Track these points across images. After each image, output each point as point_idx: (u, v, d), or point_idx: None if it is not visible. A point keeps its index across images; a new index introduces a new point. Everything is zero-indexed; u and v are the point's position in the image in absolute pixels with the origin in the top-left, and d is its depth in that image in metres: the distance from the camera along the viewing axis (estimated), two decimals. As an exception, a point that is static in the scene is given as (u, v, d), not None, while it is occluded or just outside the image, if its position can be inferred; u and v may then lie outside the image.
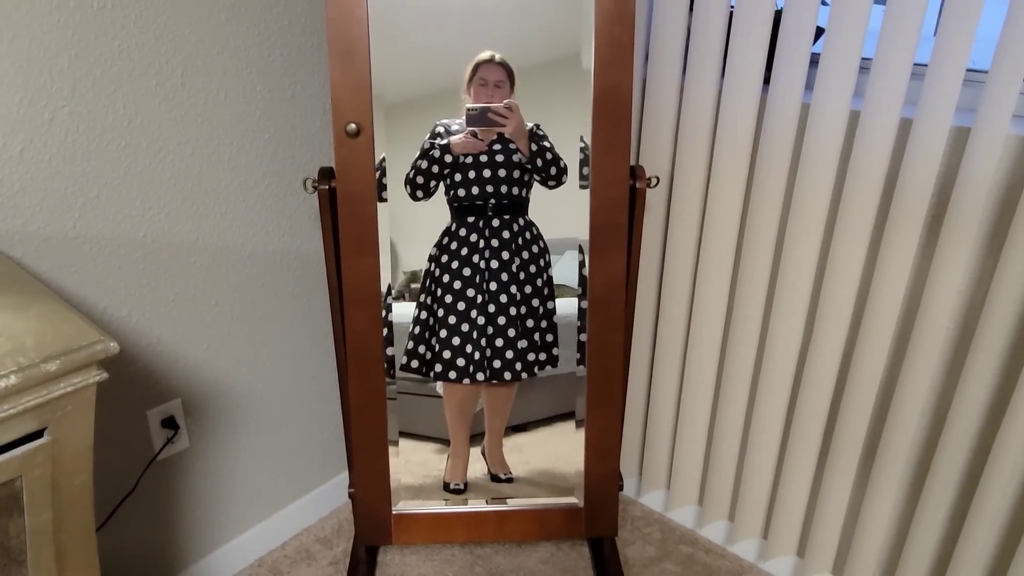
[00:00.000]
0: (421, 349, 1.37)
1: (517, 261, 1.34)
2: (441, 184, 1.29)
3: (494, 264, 1.33)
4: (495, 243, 1.33)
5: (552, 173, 1.28)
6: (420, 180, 1.29)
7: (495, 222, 1.32)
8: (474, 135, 1.26)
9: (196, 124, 1.28)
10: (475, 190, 1.29)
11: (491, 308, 1.35)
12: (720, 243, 1.48)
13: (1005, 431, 1.20)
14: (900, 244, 1.24)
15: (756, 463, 1.57)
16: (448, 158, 1.27)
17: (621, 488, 1.52)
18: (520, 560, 1.66)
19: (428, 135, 1.27)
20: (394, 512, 1.49)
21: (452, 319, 1.36)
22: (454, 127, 1.26)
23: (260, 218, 1.43)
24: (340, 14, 1.18)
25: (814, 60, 1.36)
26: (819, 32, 1.34)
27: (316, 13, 1.40)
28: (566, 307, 1.37)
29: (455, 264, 1.33)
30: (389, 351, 1.37)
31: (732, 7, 1.34)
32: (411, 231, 1.32)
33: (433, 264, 1.34)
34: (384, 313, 1.35)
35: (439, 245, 1.33)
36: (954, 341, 1.29)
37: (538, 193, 1.31)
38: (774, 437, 1.54)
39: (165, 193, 1.27)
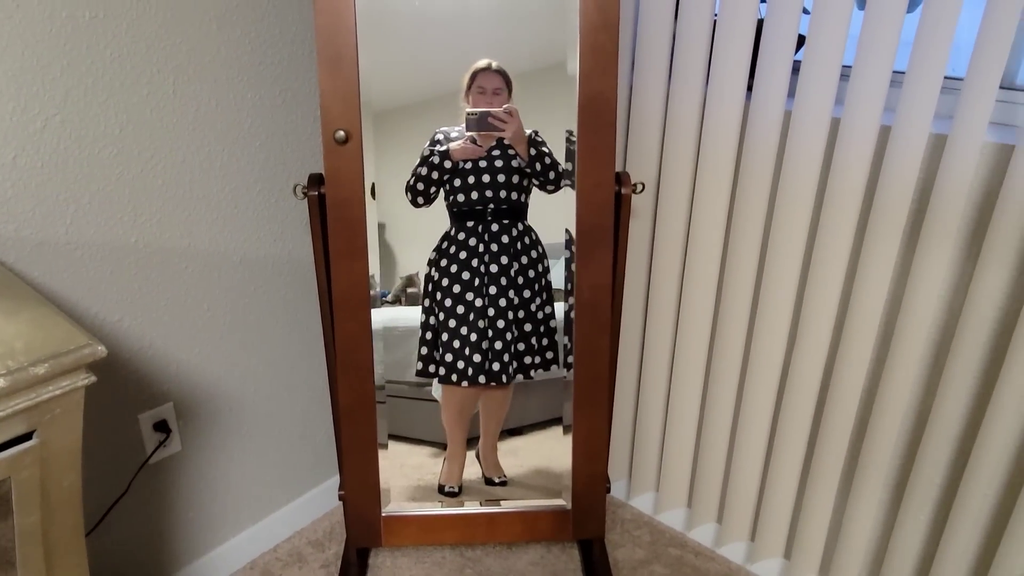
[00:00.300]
0: (433, 354, 1.39)
1: (516, 265, 1.36)
2: (441, 189, 1.31)
3: (493, 268, 1.35)
4: (494, 248, 1.34)
5: (551, 177, 1.30)
6: (420, 186, 1.30)
7: (494, 227, 1.34)
8: (473, 141, 1.28)
9: (187, 131, 1.30)
10: (475, 195, 1.31)
11: (490, 312, 1.37)
12: (706, 247, 1.50)
13: (985, 433, 1.21)
14: (881, 249, 1.26)
15: (743, 466, 1.59)
16: (448, 164, 1.29)
17: (608, 490, 1.54)
18: (510, 562, 1.68)
19: (428, 142, 1.29)
20: (384, 514, 1.50)
21: (452, 323, 1.37)
22: (454, 134, 1.28)
23: (251, 223, 1.45)
24: (328, 23, 1.20)
25: (797, 68, 1.38)
26: (801, 40, 1.36)
27: (306, 22, 1.42)
28: (560, 311, 1.39)
29: (454, 268, 1.35)
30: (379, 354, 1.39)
31: (716, 15, 1.36)
32: (409, 235, 1.34)
33: (433, 268, 1.35)
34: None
35: (439, 249, 1.35)
36: (935, 345, 1.30)
37: (535, 198, 1.32)
38: (761, 440, 1.55)
39: (157, 199, 1.29)
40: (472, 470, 1.50)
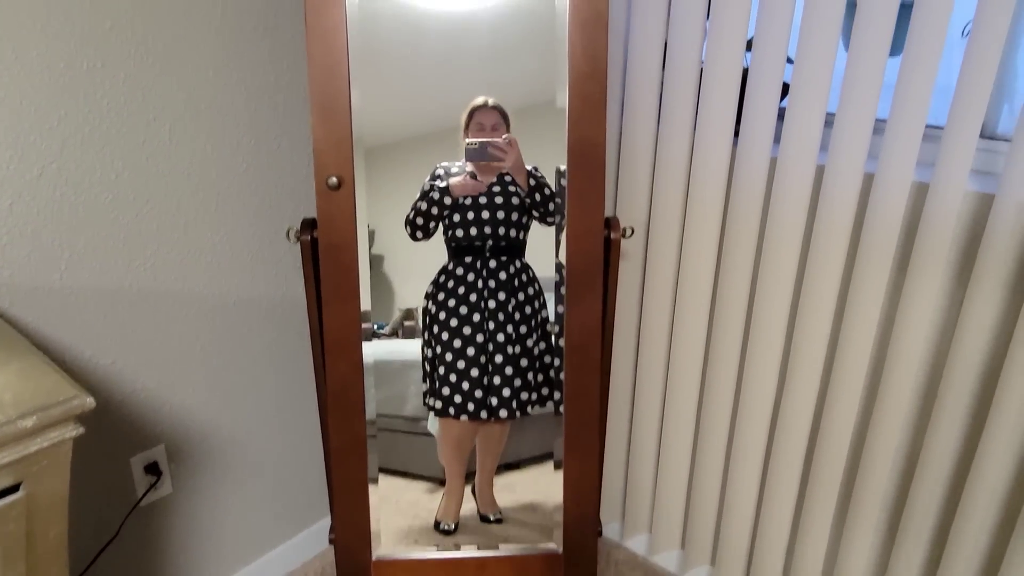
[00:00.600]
0: (434, 386, 1.40)
1: (513, 301, 1.37)
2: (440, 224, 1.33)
3: (491, 304, 1.36)
4: (492, 283, 1.36)
5: (551, 208, 1.32)
6: (420, 221, 1.32)
7: (492, 263, 1.35)
8: (473, 177, 1.30)
9: (183, 176, 1.32)
10: (473, 231, 1.33)
11: (489, 347, 1.38)
12: (696, 289, 1.51)
13: (975, 473, 1.22)
14: (868, 293, 1.27)
15: (736, 507, 1.59)
16: (447, 200, 1.31)
17: (600, 534, 1.53)
18: (502, 605, 1.66)
19: (428, 177, 1.31)
20: (374, 559, 1.50)
21: (449, 356, 1.38)
22: (454, 169, 1.30)
23: (246, 266, 1.46)
24: (322, 71, 1.23)
25: (783, 114, 1.40)
26: (787, 88, 1.38)
27: (300, 69, 1.45)
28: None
29: (452, 302, 1.36)
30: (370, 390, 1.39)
31: (702, 63, 1.39)
32: (408, 268, 1.35)
33: (430, 302, 1.37)
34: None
35: (436, 283, 1.36)
36: (923, 387, 1.31)
37: (533, 233, 1.34)
38: (753, 480, 1.55)
39: (151, 244, 1.31)
40: (469, 506, 1.50)
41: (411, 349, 1.39)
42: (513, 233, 1.33)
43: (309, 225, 1.32)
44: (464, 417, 1.41)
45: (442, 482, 1.47)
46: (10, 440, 0.75)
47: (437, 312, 1.37)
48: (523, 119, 1.29)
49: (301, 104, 1.46)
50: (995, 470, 1.20)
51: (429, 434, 1.44)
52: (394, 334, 1.38)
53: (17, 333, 0.95)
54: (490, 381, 1.39)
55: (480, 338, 1.37)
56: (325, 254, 1.32)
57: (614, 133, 1.57)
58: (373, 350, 1.38)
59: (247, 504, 1.62)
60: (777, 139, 1.43)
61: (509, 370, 1.39)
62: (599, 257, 1.35)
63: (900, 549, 1.36)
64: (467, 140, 1.28)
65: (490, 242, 1.33)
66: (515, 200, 1.32)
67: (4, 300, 1.15)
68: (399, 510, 1.49)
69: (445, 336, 1.37)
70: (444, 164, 1.30)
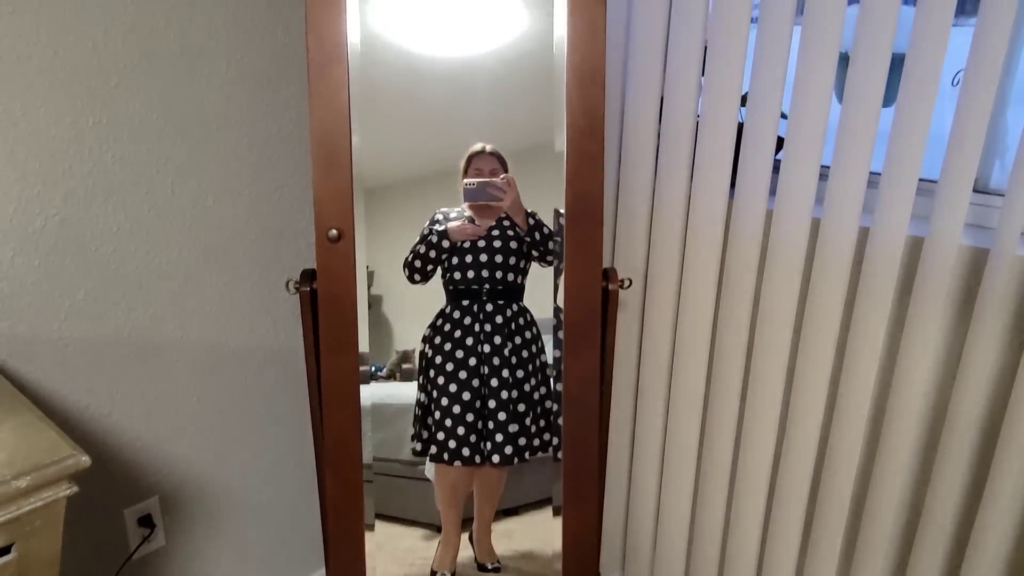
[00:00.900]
0: (423, 432, 1.39)
1: (509, 346, 1.37)
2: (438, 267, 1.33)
3: (487, 348, 1.36)
4: (488, 328, 1.36)
5: (550, 248, 1.33)
6: (418, 264, 1.33)
7: (489, 307, 1.35)
8: (471, 221, 1.31)
9: (184, 227, 1.33)
10: (471, 275, 1.33)
11: (484, 391, 1.37)
12: (694, 339, 1.51)
13: (983, 519, 1.20)
14: (865, 345, 1.28)
15: (738, 558, 1.57)
16: (446, 244, 1.32)
17: (600, 587, 1.51)
18: (500, 660, 1.63)
19: (428, 221, 1.32)
20: (370, 612, 1.47)
21: (444, 400, 1.37)
22: (453, 214, 1.31)
23: (244, 316, 1.46)
24: (323, 126, 1.25)
25: (779, 166, 1.42)
26: (781, 142, 1.40)
27: (302, 121, 1.47)
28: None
29: (448, 346, 1.36)
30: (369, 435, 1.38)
31: (698, 117, 1.41)
32: (406, 309, 1.35)
33: (426, 345, 1.36)
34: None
35: (433, 326, 1.36)
36: (922, 439, 1.30)
37: (531, 276, 1.34)
38: (755, 531, 1.53)
39: (151, 293, 1.31)
40: (466, 553, 1.47)
41: (408, 392, 1.39)
42: (511, 277, 1.34)
43: (308, 276, 1.32)
44: (458, 463, 1.40)
45: (439, 528, 1.46)
46: (3, 501, 0.75)
47: (433, 356, 1.37)
48: (522, 162, 1.30)
49: (302, 155, 1.48)
50: (998, 529, 1.18)
51: (426, 479, 1.42)
52: (391, 376, 1.38)
53: (13, 387, 0.95)
54: (484, 426, 1.38)
55: (476, 382, 1.37)
56: (324, 306, 1.32)
57: (612, 183, 1.58)
58: (370, 393, 1.37)
59: (241, 555, 1.60)
60: (773, 191, 1.45)
61: (503, 415, 1.38)
62: (597, 308, 1.35)
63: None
64: (465, 180, 1.29)
65: (487, 286, 1.34)
66: (513, 244, 1.32)
67: (2, 351, 1.15)
68: (395, 558, 1.46)
69: (441, 380, 1.37)
70: (444, 209, 1.32)
